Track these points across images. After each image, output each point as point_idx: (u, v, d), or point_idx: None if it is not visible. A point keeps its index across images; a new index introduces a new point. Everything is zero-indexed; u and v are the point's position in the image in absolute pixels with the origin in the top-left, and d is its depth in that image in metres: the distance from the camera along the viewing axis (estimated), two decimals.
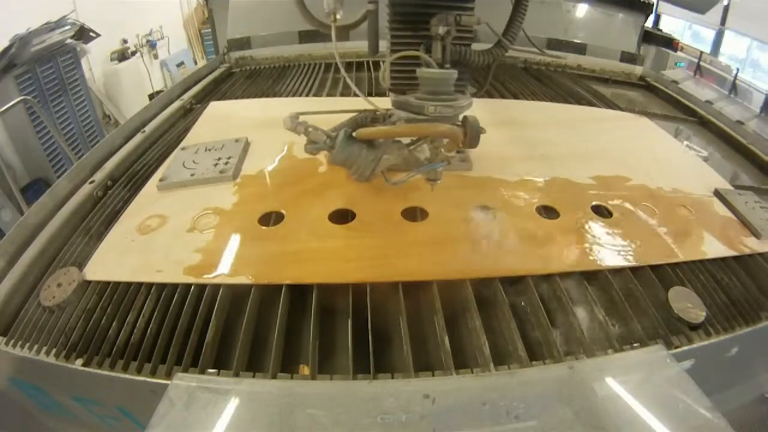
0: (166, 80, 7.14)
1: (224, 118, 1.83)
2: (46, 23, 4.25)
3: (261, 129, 1.61)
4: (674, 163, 1.61)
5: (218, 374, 0.89)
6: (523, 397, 0.81)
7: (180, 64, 7.39)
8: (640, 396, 0.81)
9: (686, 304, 1.04)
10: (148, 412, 0.76)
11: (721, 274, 1.15)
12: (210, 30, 3.28)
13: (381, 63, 1.21)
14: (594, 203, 1.30)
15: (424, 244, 1.13)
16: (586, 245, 1.16)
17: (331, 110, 1.29)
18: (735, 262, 1.19)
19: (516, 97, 2.11)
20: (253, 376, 0.88)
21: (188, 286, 1.03)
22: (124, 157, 1.58)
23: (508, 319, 0.99)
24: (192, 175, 1.37)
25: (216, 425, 0.75)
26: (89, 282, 1.06)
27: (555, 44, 2.68)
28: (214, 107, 1.93)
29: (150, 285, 1.04)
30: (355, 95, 1.26)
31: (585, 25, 2.79)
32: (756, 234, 1.26)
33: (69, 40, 4.39)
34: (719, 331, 1.01)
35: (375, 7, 1.22)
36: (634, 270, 1.12)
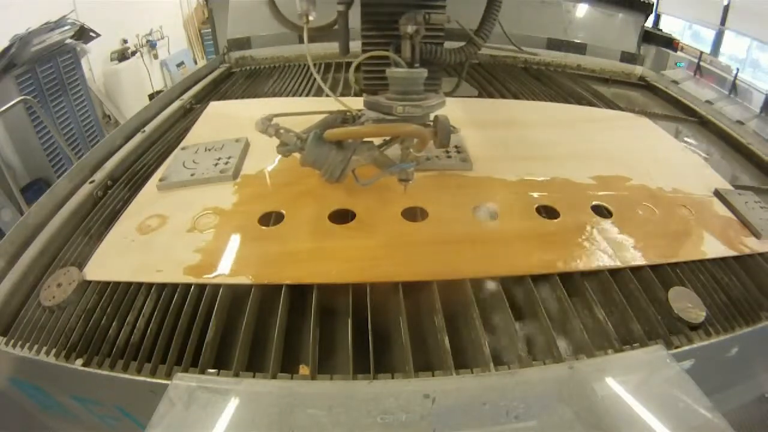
0: (166, 80, 7.14)
1: (224, 118, 1.83)
2: (46, 23, 4.25)
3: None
4: (674, 163, 1.61)
5: (218, 374, 0.89)
6: (523, 397, 0.81)
7: (180, 64, 7.39)
8: (640, 396, 0.81)
9: (686, 304, 1.04)
10: (148, 412, 0.76)
11: (721, 274, 1.15)
12: (210, 30, 3.28)
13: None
14: (594, 203, 1.30)
15: (424, 244, 1.13)
16: (586, 245, 1.16)
17: (309, 111, 1.27)
18: (735, 262, 1.19)
19: (516, 97, 2.11)
20: (253, 376, 0.88)
21: (188, 286, 1.03)
22: (124, 157, 1.58)
23: (508, 319, 0.99)
24: (192, 175, 1.37)
25: (216, 425, 0.75)
26: (89, 282, 1.06)
27: (555, 44, 2.68)
28: (214, 107, 1.93)
29: (150, 285, 1.04)
30: (328, 95, 1.27)
31: (585, 24, 2.79)
32: (756, 234, 1.26)
33: (69, 40, 4.39)
34: (719, 331, 1.00)
35: (345, 9, 1.22)
36: (634, 270, 1.12)
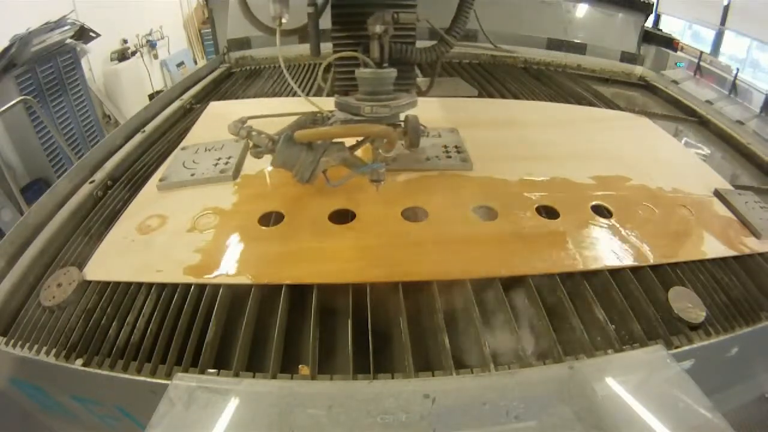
0: (166, 80, 7.13)
1: (224, 118, 1.81)
2: (45, 23, 4.24)
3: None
4: (674, 163, 1.61)
5: (218, 374, 0.89)
6: (523, 397, 0.81)
7: (180, 64, 7.38)
8: (640, 396, 0.81)
9: (686, 304, 1.04)
10: (148, 412, 0.76)
11: (721, 274, 1.15)
12: (210, 30, 3.28)
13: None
14: (594, 203, 1.30)
15: (424, 244, 1.13)
16: (586, 245, 1.16)
17: (282, 113, 1.27)
18: (735, 262, 1.19)
19: (516, 97, 2.11)
20: (253, 376, 0.88)
21: (188, 286, 1.03)
22: (124, 157, 1.58)
23: (508, 319, 0.99)
24: (192, 175, 1.37)
25: (216, 425, 0.75)
26: (89, 282, 1.06)
27: (555, 44, 2.68)
28: (214, 107, 1.93)
29: (150, 285, 1.04)
30: (297, 96, 1.27)
31: (585, 25, 2.79)
32: (756, 234, 1.26)
33: (69, 40, 4.39)
34: (719, 331, 1.01)
35: (315, 10, 1.22)
36: (634, 270, 1.12)
